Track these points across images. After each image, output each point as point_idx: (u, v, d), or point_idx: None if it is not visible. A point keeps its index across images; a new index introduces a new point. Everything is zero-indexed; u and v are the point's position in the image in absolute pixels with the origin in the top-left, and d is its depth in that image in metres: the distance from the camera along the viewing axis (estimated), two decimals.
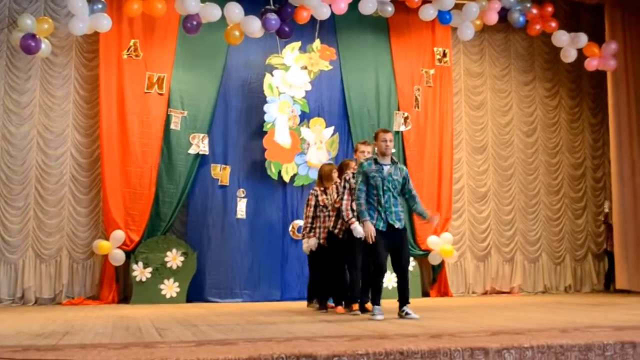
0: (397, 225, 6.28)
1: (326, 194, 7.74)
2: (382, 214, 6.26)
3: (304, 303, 8.48)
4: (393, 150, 6.57)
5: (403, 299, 6.27)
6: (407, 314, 6.16)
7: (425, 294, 11.10)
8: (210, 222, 10.42)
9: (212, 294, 10.19)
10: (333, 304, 7.63)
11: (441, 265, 11.17)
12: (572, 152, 12.46)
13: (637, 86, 11.36)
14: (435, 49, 11.65)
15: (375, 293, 6.31)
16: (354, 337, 4.40)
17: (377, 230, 6.21)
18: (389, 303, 6.84)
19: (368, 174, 6.30)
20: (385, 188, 6.27)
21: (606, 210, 12.02)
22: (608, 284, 11.90)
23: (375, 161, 6.37)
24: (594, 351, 3.97)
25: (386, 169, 6.33)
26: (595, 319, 5.90)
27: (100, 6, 9.38)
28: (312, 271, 8.24)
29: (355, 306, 7.14)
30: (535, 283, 11.95)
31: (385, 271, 6.34)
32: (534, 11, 11.02)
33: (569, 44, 11.14)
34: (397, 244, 6.29)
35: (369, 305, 6.75)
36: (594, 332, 4.52)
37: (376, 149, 6.48)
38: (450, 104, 11.68)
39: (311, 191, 8.07)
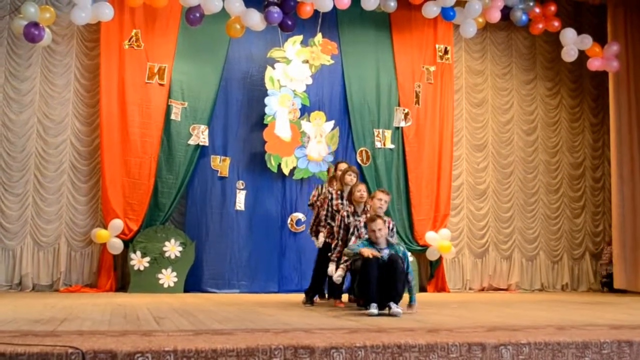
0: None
1: (342, 199, 7.37)
2: None
3: (301, 295, 8.44)
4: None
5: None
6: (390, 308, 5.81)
7: (423, 289, 11.12)
8: (209, 213, 10.43)
9: (210, 285, 10.22)
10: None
11: (439, 261, 11.19)
12: (572, 151, 12.46)
13: (638, 87, 11.35)
14: (436, 46, 11.63)
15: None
16: (352, 329, 4.40)
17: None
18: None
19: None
20: None
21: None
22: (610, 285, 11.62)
23: (372, 244, 6.12)
24: (591, 349, 3.97)
25: (385, 252, 6.07)
26: (592, 317, 5.92)
27: None
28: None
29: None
30: (532, 281, 11.98)
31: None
32: (537, 10, 11.01)
33: (574, 43, 11.11)
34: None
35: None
36: (591, 330, 4.52)
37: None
38: (450, 101, 11.67)
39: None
